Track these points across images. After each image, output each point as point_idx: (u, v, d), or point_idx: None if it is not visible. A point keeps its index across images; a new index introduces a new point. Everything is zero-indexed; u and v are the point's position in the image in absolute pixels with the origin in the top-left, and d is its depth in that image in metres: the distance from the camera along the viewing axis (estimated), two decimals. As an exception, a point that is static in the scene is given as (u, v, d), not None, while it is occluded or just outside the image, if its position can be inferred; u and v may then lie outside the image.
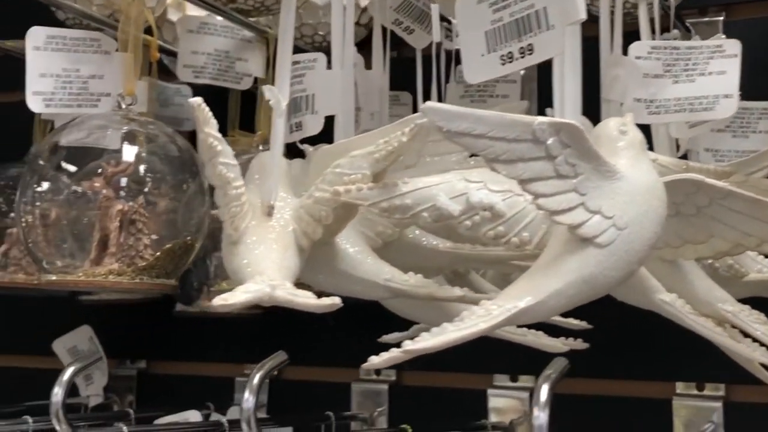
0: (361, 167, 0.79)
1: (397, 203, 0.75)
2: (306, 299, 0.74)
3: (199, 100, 0.76)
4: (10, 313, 1.58)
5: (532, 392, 1.25)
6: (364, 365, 0.70)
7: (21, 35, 1.10)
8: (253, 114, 1.27)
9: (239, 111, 1.34)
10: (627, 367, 1.24)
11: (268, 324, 1.40)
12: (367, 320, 1.31)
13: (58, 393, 0.86)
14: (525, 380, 1.30)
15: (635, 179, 0.71)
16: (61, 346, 1.47)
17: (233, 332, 1.46)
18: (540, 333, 0.98)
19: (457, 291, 0.83)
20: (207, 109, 0.76)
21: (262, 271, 0.78)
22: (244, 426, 0.78)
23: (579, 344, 1.00)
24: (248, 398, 0.78)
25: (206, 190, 0.97)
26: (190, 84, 1.36)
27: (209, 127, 0.76)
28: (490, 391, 1.31)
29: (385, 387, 1.38)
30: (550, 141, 0.68)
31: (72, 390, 1.49)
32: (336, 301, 0.74)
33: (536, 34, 0.75)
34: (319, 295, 0.77)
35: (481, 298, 0.73)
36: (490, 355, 1.30)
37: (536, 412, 0.71)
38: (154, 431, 0.99)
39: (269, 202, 0.83)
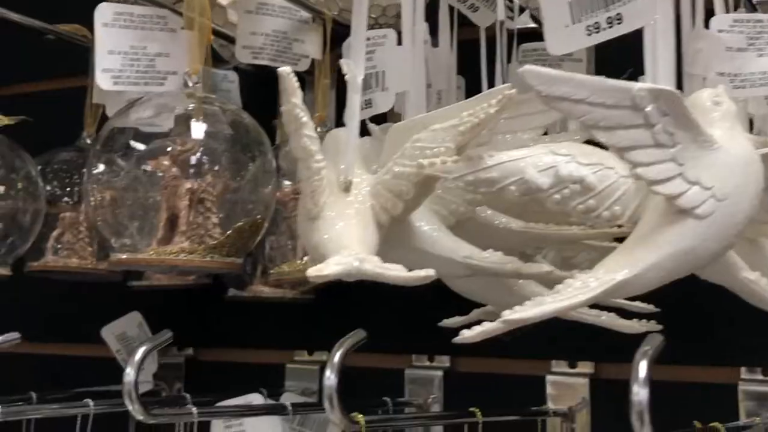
0: (444, 140, 0.77)
1: (483, 176, 0.73)
2: (397, 272, 0.72)
3: (288, 69, 0.74)
4: (59, 301, 1.56)
5: (592, 378, 1.26)
6: (456, 339, 0.69)
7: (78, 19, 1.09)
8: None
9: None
10: (691, 352, 1.21)
11: (319, 310, 1.39)
12: (420, 306, 1.30)
13: (130, 373, 0.85)
14: (584, 366, 1.28)
15: (732, 150, 0.70)
16: (110, 332, 1.46)
17: (283, 318, 1.45)
18: (613, 314, 0.96)
19: (545, 267, 0.81)
20: (295, 78, 0.75)
21: (345, 246, 0.77)
22: (326, 404, 0.76)
23: (653, 326, 0.97)
24: (330, 376, 0.76)
25: (273, 169, 0.95)
26: (236, 69, 1.36)
27: (296, 97, 0.74)
28: (548, 378, 1.29)
29: (440, 374, 1.36)
30: (648, 108, 0.66)
31: (118, 377, 1.49)
32: (430, 273, 0.72)
33: (625, 3, 0.73)
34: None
35: (567, 276, 0.72)
36: (548, 340, 1.28)
37: (636, 388, 0.69)
38: (222, 413, 0.97)
39: (348, 178, 0.82)
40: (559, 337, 1.28)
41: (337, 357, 0.76)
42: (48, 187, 1.27)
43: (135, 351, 0.85)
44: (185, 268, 0.89)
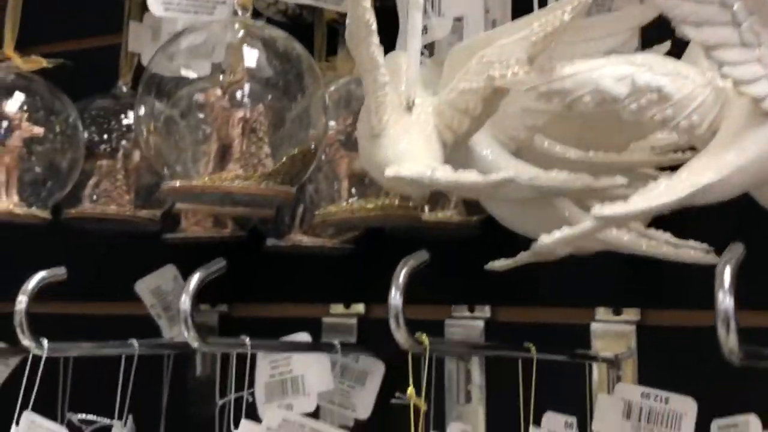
0: (514, 53, 0.75)
1: (556, 87, 0.71)
2: (473, 177, 0.70)
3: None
4: (93, 257, 1.54)
5: (638, 325, 1.24)
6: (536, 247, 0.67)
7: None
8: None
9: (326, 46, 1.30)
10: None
11: (355, 261, 1.37)
12: (459, 256, 1.28)
13: (185, 301, 0.83)
14: (629, 313, 1.25)
15: (817, 54, 0.68)
16: (144, 287, 1.44)
17: (318, 270, 1.42)
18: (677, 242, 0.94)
19: (619, 179, 0.79)
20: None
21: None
22: (392, 323, 0.74)
23: (714, 257, 0.95)
24: (395, 295, 0.74)
25: (325, 97, 0.93)
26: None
27: (367, 1, 0.72)
28: (592, 326, 1.27)
29: (481, 324, 1.34)
30: (736, 6, 0.64)
31: (155, 331, 1.47)
32: (509, 174, 0.70)
33: None
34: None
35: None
36: (591, 287, 1.26)
37: (721, 296, 0.67)
38: (274, 346, 0.95)
39: (410, 97, 0.80)
40: (603, 283, 1.26)
41: (402, 276, 0.75)
42: (85, 134, 1.25)
43: (190, 278, 0.83)
44: (240, 194, 0.87)
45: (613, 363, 1.23)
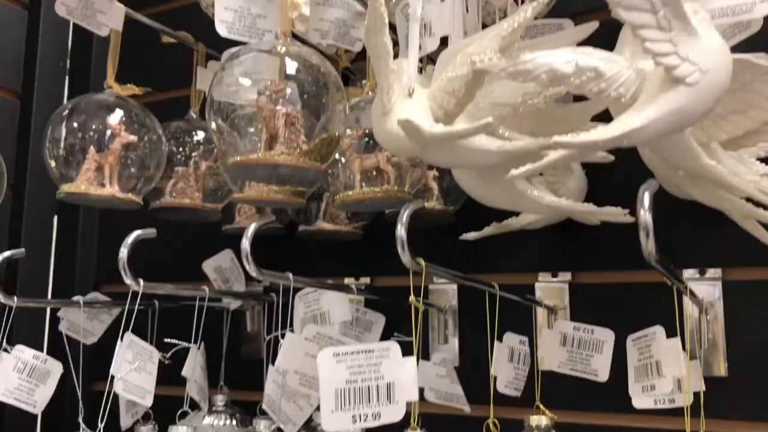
0: (490, 46, 0.73)
1: (520, 68, 0.69)
2: (461, 126, 0.68)
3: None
4: (168, 242, 1.50)
5: (569, 284, 1.22)
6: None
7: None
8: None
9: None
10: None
11: (364, 245, 1.34)
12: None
13: (245, 242, 0.80)
14: (563, 276, 1.23)
15: (711, 39, 0.67)
16: (209, 266, 1.41)
17: (336, 252, 1.39)
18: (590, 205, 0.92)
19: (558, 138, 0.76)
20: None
21: None
22: (399, 248, 0.71)
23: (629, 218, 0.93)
24: (400, 229, 0.71)
25: (345, 97, 0.91)
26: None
27: (381, 1, 0.70)
28: (536, 285, 1.24)
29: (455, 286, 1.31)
30: (655, -1, 0.62)
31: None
32: (488, 120, 0.67)
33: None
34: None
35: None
36: (534, 258, 1.24)
37: (642, 213, 0.64)
38: (308, 282, 0.92)
39: (411, 87, 0.78)
40: (544, 255, 1.24)
41: (406, 215, 0.72)
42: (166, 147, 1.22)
43: (248, 227, 0.80)
44: (284, 165, 0.84)
45: (552, 309, 1.20)
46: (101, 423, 0.83)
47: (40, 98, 1.62)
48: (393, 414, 0.70)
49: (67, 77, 1.71)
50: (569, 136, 0.63)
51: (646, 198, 0.64)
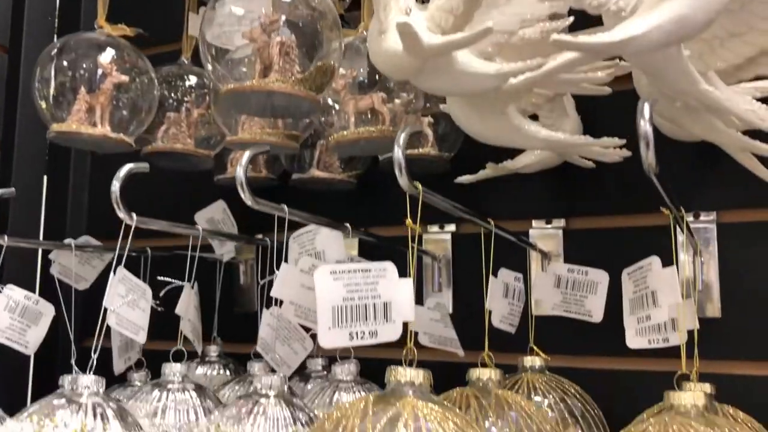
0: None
1: None
2: (459, 35, 0.67)
3: None
4: (159, 193, 1.49)
5: (563, 230, 1.21)
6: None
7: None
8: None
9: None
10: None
11: (357, 192, 1.33)
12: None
13: (240, 170, 0.79)
14: (557, 223, 1.23)
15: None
16: (201, 217, 1.39)
17: (330, 200, 1.38)
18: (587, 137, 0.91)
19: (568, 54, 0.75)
20: None
21: None
22: (396, 170, 0.70)
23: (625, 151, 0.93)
24: (398, 152, 0.70)
25: (340, 29, 0.90)
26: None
27: None
28: (531, 231, 1.24)
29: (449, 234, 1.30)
30: None
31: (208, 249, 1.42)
32: (487, 24, 0.66)
33: None
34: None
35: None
36: (529, 205, 1.24)
37: (642, 123, 0.64)
38: (305, 217, 0.91)
39: (408, 6, 0.77)
40: (539, 202, 1.23)
41: (403, 136, 0.71)
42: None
43: (243, 154, 0.79)
44: (279, 93, 0.83)
45: (546, 255, 1.20)
46: (94, 353, 0.82)
47: (28, 52, 1.60)
48: (390, 333, 0.70)
49: (56, 33, 1.69)
50: (570, 35, 0.62)
51: (646, 109, 0.63)
